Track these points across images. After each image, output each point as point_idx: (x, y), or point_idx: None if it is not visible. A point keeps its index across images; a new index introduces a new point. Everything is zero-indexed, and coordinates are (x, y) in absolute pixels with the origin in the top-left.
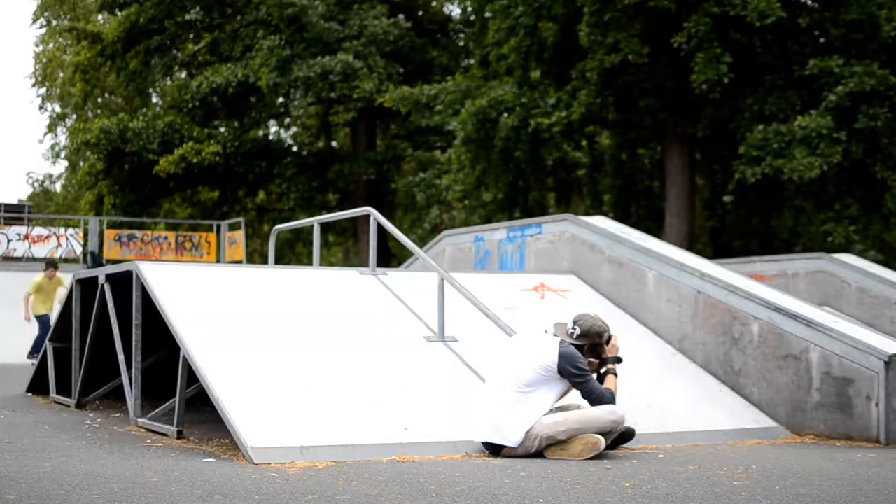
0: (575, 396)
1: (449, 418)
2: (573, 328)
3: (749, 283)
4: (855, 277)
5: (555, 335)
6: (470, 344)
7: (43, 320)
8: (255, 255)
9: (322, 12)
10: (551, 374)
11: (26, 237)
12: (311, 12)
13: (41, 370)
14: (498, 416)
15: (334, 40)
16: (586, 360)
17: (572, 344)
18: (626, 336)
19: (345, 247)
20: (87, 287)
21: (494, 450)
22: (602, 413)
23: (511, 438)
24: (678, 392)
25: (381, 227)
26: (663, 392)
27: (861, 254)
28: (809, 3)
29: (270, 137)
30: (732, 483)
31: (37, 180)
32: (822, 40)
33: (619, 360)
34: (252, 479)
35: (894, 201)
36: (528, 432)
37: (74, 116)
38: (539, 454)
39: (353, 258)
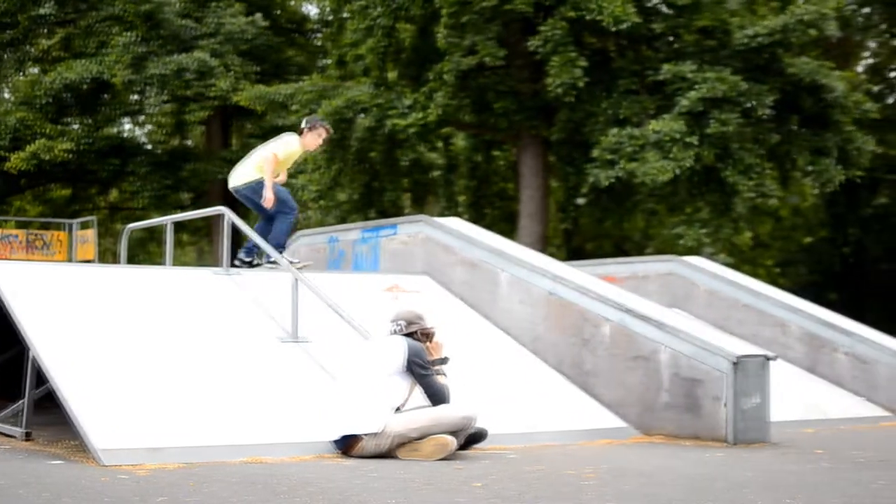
0: (419, 401)
1: (301, 419)
2: (397, 325)
3: (600, 285)
4: (704, 280)
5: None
6: (323, 344)
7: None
8: (108, 255)
9: (178, 9)
10: (401, 370)
11: None
12: (167, 9)
13: None
14: (353, 408)
15: (190, 38)
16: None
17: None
18: (479, 337)
19: (198, 246)
20: None
21: (346, 448)
22: (454, 411)
23: (367, 428)
24: (530, 393)
25: (235, 227)
26: (515, 393)
27: (711, 257)
28: (664, 9)
29: (124, 135)
30: (581, 483)
31: None
32: (675, 46)
33: (444, 361)
34: (101, 482)
35: (744, 205)
36: (385, 427)
37: None
38: (390, 454)
39: (206, 258)
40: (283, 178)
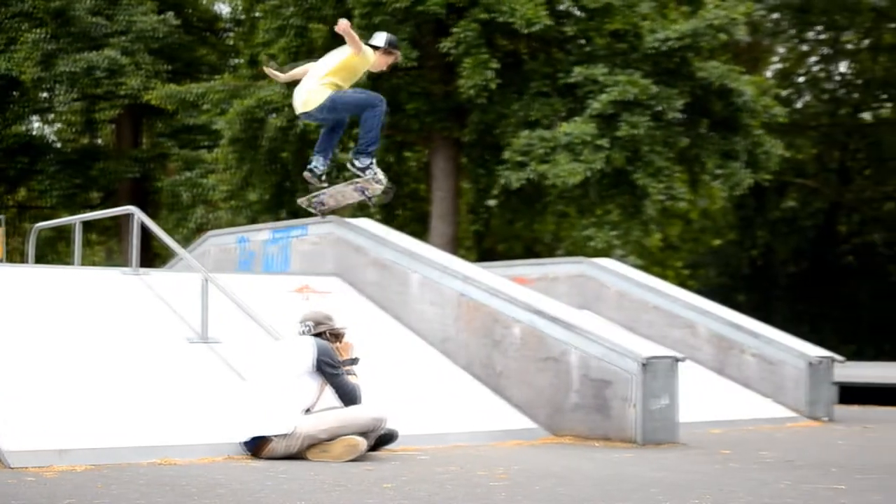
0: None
1: (210, 420)
2: (305, 326)
3: (511, 287)
4: (614, 281)
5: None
6: (233, 345)
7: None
8: (15, 254)
9: (88, 6)
10: (311, 371)
11: None
12: (77, 6)
13: None
14: (262, 410)
15: (100, 35)
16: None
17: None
18: (390, 338)
19: (108, 246)
20: None
21: (256, 450)
22: (364, 412)
23: (277, 429)
24: (440, 394)
25: (144, 227)
26: (425, 394)
27: (621, 259)
28: (576, 12)
29: (33, 133)
30: (492, 484)
31: None
32: (587, 49)
33: (354, 362)
34: (8, 484)
35: (654, 208)
36: (295, 428)
37: None
38: (301, 456)
39: (116, 257)
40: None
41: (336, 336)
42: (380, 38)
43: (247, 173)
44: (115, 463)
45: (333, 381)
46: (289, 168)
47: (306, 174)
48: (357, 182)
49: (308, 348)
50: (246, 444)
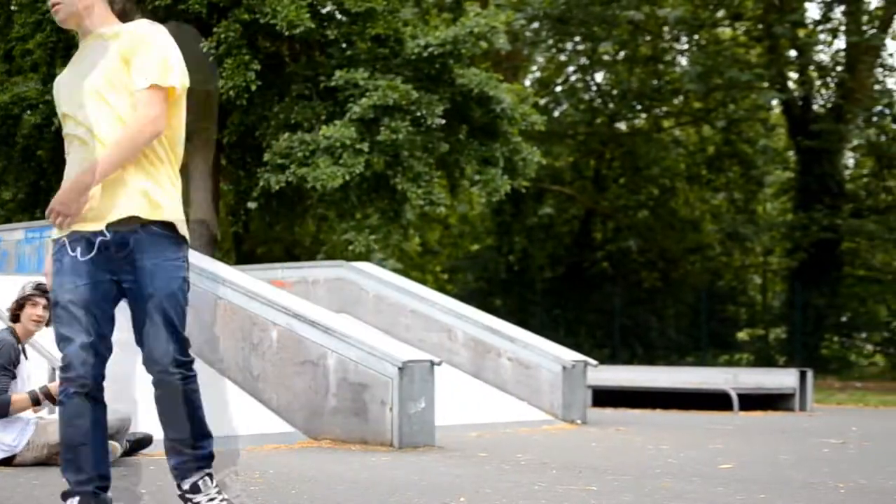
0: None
1: None
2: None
3: (269, 290)
4: (372, 285)
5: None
6: None
7: None
8: None
9: None
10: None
11: None
12: None
13: None
14: None
15: None
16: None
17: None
18: None
19: None
20: None
21: (5, 461)
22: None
23: (11, 448)
24: None
25: None
26: None
27: (381, 263)
28: (338, 15)
29: None
30: (249, 488)
31: None
32: (349, 53)
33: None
34: None
35: (413, 212)
36: (30, 441)
37: None
38: (53, 461)
39: None
40: None
41: (20, 306)
42: None
43: (1, 171)
44: None
45: None
46: (45, 166)
47: None
48: None
49: None
50: None
